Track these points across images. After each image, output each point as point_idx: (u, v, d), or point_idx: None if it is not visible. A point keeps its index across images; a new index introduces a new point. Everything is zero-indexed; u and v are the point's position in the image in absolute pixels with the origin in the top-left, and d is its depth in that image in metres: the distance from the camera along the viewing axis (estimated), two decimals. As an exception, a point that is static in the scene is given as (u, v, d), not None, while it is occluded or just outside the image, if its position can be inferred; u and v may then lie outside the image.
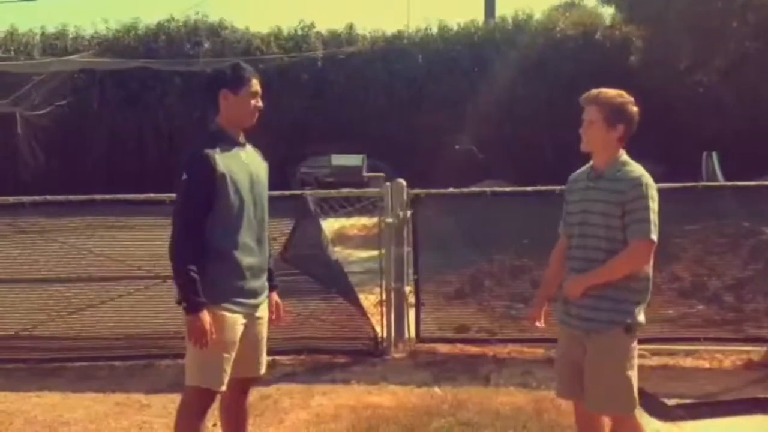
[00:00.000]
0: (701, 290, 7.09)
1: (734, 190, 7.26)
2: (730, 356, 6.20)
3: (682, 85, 18.33)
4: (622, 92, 3.74)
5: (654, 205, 3.58)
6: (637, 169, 3.66)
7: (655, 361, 6.18)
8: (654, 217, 3.56)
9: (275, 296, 4.11)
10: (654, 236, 3.54)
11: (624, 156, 3.72)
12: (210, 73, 4.08)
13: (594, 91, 3.73)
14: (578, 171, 3.91)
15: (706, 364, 6.11)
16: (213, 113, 3.92)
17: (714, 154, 15.95)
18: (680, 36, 18.38)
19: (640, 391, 4.92)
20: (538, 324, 4.03)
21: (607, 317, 3.62)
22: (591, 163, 3.80)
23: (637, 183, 3.59)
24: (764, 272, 7.16)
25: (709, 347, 6.28)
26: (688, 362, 6.16)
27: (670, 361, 6.18)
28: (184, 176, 3.66)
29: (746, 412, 4.70)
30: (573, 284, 3.69)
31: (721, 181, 13.23)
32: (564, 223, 3.93)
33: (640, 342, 6.44)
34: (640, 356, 6.20)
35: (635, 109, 3.72)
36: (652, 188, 3.61)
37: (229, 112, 3.80)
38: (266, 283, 3.95)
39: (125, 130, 22.91)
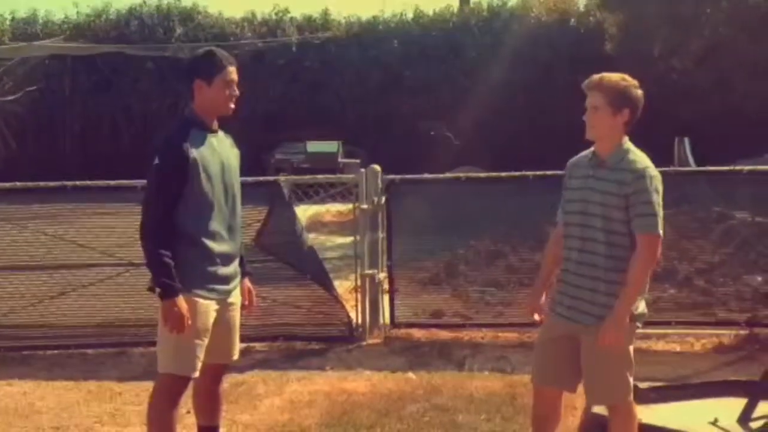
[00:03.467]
0: (673, 274, 7.16)
1: (705, 175, 7.32)
2: (701, 339, 6.27)
3: (656, 71, 18.41)
4: (625, 76, 3.62)
5: (659, 198, 3.48)
6: (641, 159, 3.55)
7: (627, 345, 6.23)
8: (659, 210, 3.47)
9: (247, 282, 4.08)
10: (660, 230, 3.46)
11: (628, 143, 3.60)
12: (186, 60, 3.98)
13: (596, 77, 3.61)
14: (579, 155, 3.76)
15: (678, 348, 6.17)
16: (187, 98, 3.87)
17: (686, 140, 16.07)
18: (654, 22, 18.49)
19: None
20: (536, 317, 3.85)
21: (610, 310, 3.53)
22: (593, 148, 3.67)
23: (641, 175, 3.47)
24: (734, 256, 7.24)
25: (681, 331, 6.34)
26: (660, 346, 6.22)
27: (642, 344, 6.21)
28: (156, 162, 3.62)
29: (717, 395, 4.73)
30: (611, 333, 3.46)
31: (693, 167, 13.34)
32: (562, 210, 3.79)
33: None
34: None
35: (640, 92, 3.61)
36: (657, 180, 3.50)
37: (204, 101, 3.74)
38: (238, 269, 3.93)
39: (98, 115, 22.69)
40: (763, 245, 6.67)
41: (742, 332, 6.24)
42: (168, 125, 3.85)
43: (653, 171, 3.52)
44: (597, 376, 3.62)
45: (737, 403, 4.41)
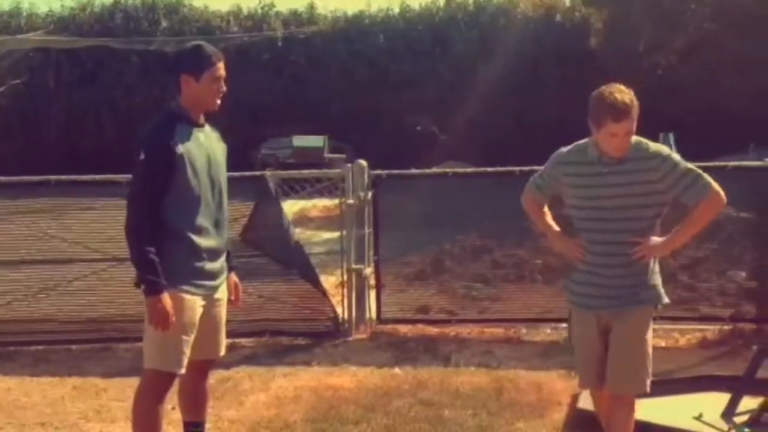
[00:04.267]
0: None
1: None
2: (685, 335, 6.31)
3: (641, 67, 18.52)
4: (622, 86, 3.62)
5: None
6: (649, 143, 3.65)
7: (612, 340, 6.26)
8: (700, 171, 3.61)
9: (234, 277, 4.07)
10: (716, 185, 3.60)
11: None
12: (173, 53, 3.93)
13: (629, 101, 3.53)
14: (571, 152, 3.77)
15: (662, 343, 6.19)
16: (173, 91, 3.83)
17: (670, 135, 16.15)
18: (639, 18, 18.56)
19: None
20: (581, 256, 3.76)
21: (646, 295, 3.67)
22: (589, 147, 3.68)
23: (665, 155, 3.60)
24: (719, 252, 7.27)
25: (665, 326, 6.36)
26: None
27: (628, 339, 6.26)
28: (142, 156, 3.57)
29: (701, 390, 4.77)
30: (654, 246, 3.62)
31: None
32: (540, 192, 3.90)
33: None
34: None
35: None
36: (674, 152, 3.66)
37: (191, 96, 3.70)
38: (225, 265, 3.91)
39: (82, 109, 22.57)
40: (747, 241, 6.70)
41: (726, 327, 6.28)
42: (153, 119, 3.79)
43: (665, 147, 3.69)
44: (625, 364, 3.67)
45: (721, 398, 4.45)
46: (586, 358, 3.81)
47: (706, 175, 3.61)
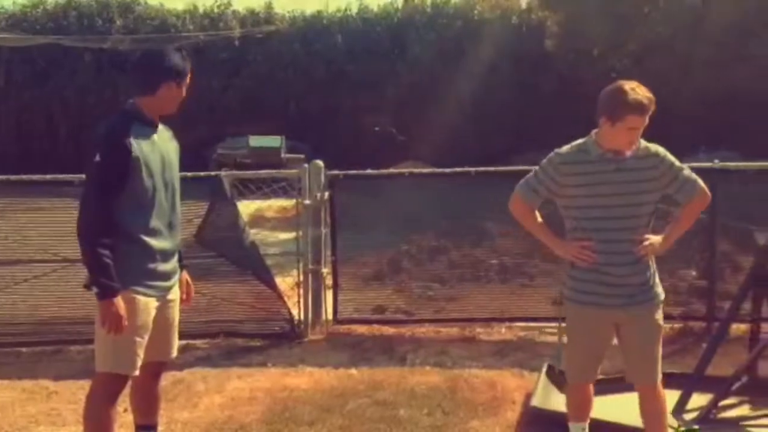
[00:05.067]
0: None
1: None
2: (638, 333, 6.39)
3: (595, 69, 18.73)
4: (635, 83, 3.71)
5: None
6: (645, 142, 3.75)
7: (565, 338, 6.32)
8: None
9: (185, 275, 4.04)
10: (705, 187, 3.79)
11: None
12: (150, 55, 3.81)
13: (648, 100, 3.64)
14: (570, 151, 3.81)
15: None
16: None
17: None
18: (593, 21, 18.79)
19: (554, 369, 5.06)
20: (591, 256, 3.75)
21: (658, 292, 3.80)
22: (590, 145, 3.75)
23: (663, 154, 3.73)
24: (670, 252, 7.37)
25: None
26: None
27: (581, 338, 6.33)
28: (98, 158, 3.51)
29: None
30: (655, 245, 3.73)
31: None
32: (536, 195, 3.84)
33: (552, 320, 6.61)
34: (551, 333, 6.40)
35: None
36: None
37: (161, 101, 3.68)
38: (177, 266, 3.88)
39: (34, 108, 22.15)
40: (698, 241, 6.81)
41: (677, 326, 6.38)
42: (108, 119, 3.71)
43: (661, 148, 3.79)
44: (648, 356, 3.80)
45: (672, 396, 4.51)
46: (589, 355, 3.89)
47: (694, 174, 3.79)
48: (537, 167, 3.89)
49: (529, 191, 3.87)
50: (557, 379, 5.00)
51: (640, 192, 3.69)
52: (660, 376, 3.85)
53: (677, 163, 3.76)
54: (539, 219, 3.94)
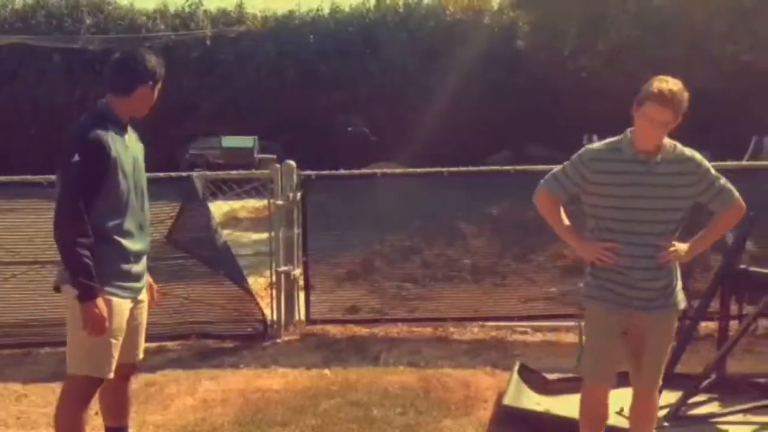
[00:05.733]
0: (582, 268, 7.31)
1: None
2: (608, 331, 6.45)
3: (566, 69, 18.85)
4: (678, 82, 3.58)
5: None
6: (683, 147, 3.67)
7: (537, 337, 6.39)
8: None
9: (149, 277, 4.03)
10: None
11: None
12: (128, 56, 3.74)
13: (668, 91, 3.51)
14: (597, 149, 3.73)
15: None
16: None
17: (594, 137, 16.49)
18: (564, 22, 18.91)
19: (523, 366, 5.10)
20: (613, 258, 3.66)
21: (679, 299, 3.75)
22: (623, 144, 3.66)
23: (699, 160, 3.63)
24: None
25: (590, 323, 6.50)
26: (570, 338, 6.35)
27: (552, 337, 6.39)
28: (77, 158, 3.49)
29: (623, 385, 4.88)
30: (680, 252, 3.66)
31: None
32: (563, 189, 3.75)
33: (524, 319, 6.67)
34: (522, 333, 6.45)
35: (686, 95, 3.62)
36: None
37: (135, 102, 3.70)
38: (145, 267, 3.88)
39: (2, 108, 21.83)
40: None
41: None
42: (82, 120, 3.68)
43: (698, 154, 3.70)
44: (660, 363, 3.80)
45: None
46: (604, 355, 3.79)
47: (729, 184, 3.70)
48: (566, 162, 3.79)
49: (556, 185, 3.77)
50: (529, 377, 5.04)
51: (670, 197, 3.60)
52: (659, 382, 3.87)
53: (713, 170, 3.68)
54: (564, 216, 3.84)
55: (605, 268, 3.67)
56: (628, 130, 3.68)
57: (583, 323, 4.02)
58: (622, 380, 4.92)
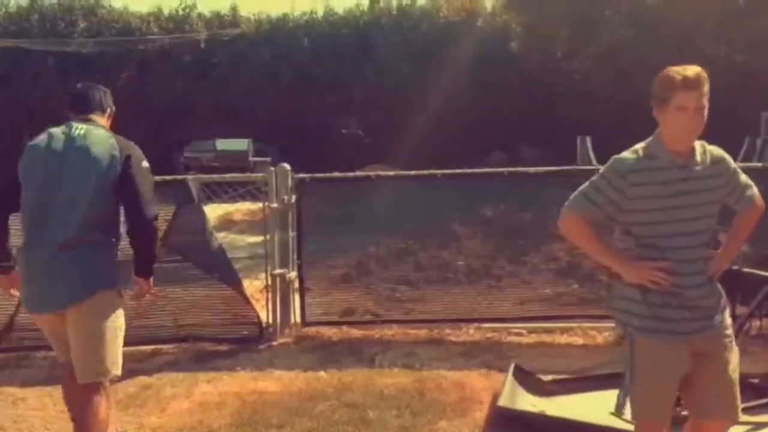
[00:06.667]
0: (576, 270, 7.38)
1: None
2: (602, 332, 6.48)
3: (559, 71, 18.92)
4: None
5: None
6: (711, 146, 3.33)
7: (532, 338, 6.41)
8: None
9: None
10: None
11: None
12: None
13: (697, 71, 3.18)
14: (636, 159, 3.25)
15: (580, 341, 6.36)
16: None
17: (588, 139, 16.54)
18: (556, 24, 18.98)
19: (518, 367, 5.12)
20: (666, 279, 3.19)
21: (729, 313, 3.40)
22: (657, 149, 3.24)
23: (729, 159, 3.33)
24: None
25: (583, 324, 6.54)
26: (563, 339, 6.40)
27: (547, 338, 6.42)
28: (146, 164, 3.96)
29: (615, 387, 4.92)
30: (723, 263, 3.36)
31: (594, 164, 13.75)
32: (599, 209, 3.28)
33: (519, 320, 6.69)
34: (517, 334, 6.48)
35: None
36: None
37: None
38: None
39: (-3, 112, 21.84)
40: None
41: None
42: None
43: (725, 152, 3.39)
44: (733, 385, 3.35)
45: (613, 395, 4.59)
46: (667, 395, 3.32)
47: (749, 180, 3.43)
48: (593, 177, 3.33)
49: (588, 204, 3.28)
50: (523, 379, 5.07)
51: (711, 202, 3.26)
52: (738, 413, 3.40)
53: (740, 170, 3.39)
54: (600, 238, 3.36)
55: (659, 290, 3.21)
56: (654, 134, 3.30)
57: (633, 360, 3.36)
58: (616, 381, 4.97)
